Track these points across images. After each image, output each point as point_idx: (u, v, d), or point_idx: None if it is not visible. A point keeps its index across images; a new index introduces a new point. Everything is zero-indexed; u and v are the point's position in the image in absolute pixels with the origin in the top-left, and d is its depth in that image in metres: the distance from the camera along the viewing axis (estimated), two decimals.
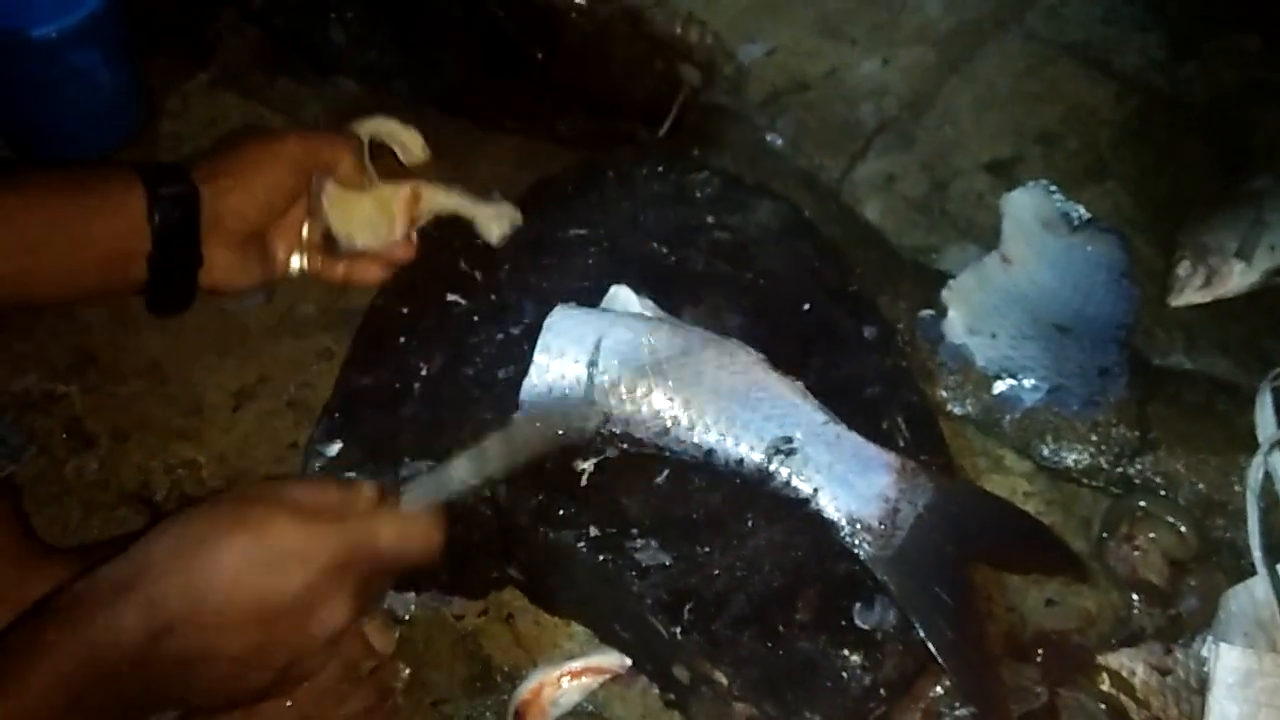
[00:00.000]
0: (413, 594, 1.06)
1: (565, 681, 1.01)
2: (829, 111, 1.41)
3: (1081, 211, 1.29)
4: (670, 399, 0.94)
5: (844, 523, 0.91)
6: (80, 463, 1.16)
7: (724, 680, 0.90)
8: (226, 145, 0.98)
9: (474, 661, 1.05)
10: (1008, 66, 1.46)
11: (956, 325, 1.20)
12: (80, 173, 0.90)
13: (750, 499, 0.95)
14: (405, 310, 1.08)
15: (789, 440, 0.92)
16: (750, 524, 0.95)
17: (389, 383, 1.04)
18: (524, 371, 0.96)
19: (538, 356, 0.96)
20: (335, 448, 1.00)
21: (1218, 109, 1.41)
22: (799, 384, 0.96)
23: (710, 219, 1.14)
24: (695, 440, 0.94)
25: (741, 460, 0.93)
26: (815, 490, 0.91)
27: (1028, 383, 1.17)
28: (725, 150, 1.35)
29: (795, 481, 0.92)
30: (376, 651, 0.97)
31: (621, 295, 1.02)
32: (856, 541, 0.90)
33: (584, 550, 0.94)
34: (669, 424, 0.94)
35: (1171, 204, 1.32)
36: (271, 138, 1.00)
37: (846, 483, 0.91)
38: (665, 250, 1.12)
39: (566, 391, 0.95)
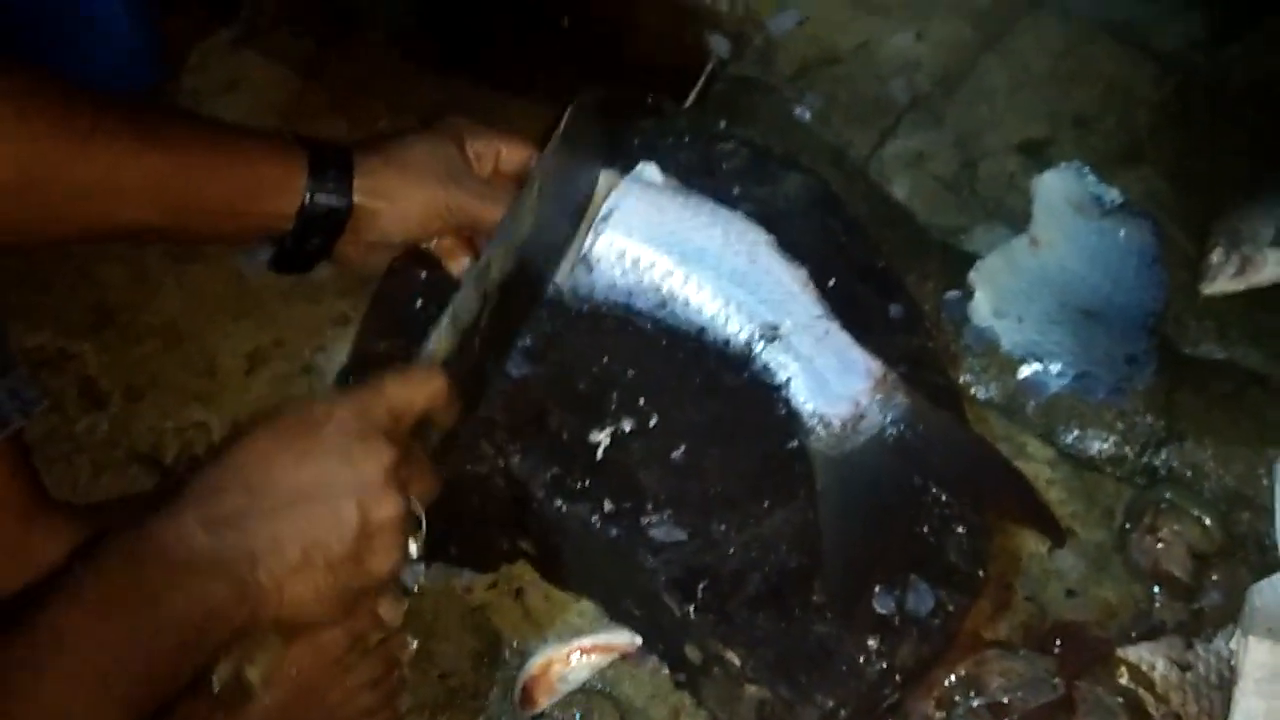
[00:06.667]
0: (422, 566, 1.05)
1: (575, 658, 1.00)
2: (860, 85, 1.38)
3: (1115, 195, 1.26)
4: (670, 272, 0.96)
5: (806, 415, 0.93)
6: (91, 421, 1.15)
7: (736, 661, 0.89)
8: (394, 146, 0.95)
9: (482, 635, 1.04)
10: (1044, 44, 1.42)
11: (983, 307, 1.18)
12: (245, 144, 0.88)
13: (768, 477, 0.94)
14: (423, 275, 1.06)
15: (775, 327, 0.94)
16: (767, 503, 0.93)
17: (405, 348, 1.02)
18: None
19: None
20: None
21: (1259, 94, 1.37)
22: (802, 272, 0.98)
23: (736, 190, 1.12)
24: (689, 316, 0.97)
25: (728, 340, 0.96)
26: (789, 379, 0.94)
27: (1053, 368, 1.15)
28: (753, 123, 1.32)
29: (773, 366, 0.94)
30: (385, 623, 0.96)
31: (647, 172, 1.03)
32: (811, 436, 0.93)
33: (597, 524, 0.93)
34: (666, 298, 0.97)
35: (1208, 189, 1.29)
36: (439, 165, 0.96)
37: (822, 379, 0.93)
38: None
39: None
